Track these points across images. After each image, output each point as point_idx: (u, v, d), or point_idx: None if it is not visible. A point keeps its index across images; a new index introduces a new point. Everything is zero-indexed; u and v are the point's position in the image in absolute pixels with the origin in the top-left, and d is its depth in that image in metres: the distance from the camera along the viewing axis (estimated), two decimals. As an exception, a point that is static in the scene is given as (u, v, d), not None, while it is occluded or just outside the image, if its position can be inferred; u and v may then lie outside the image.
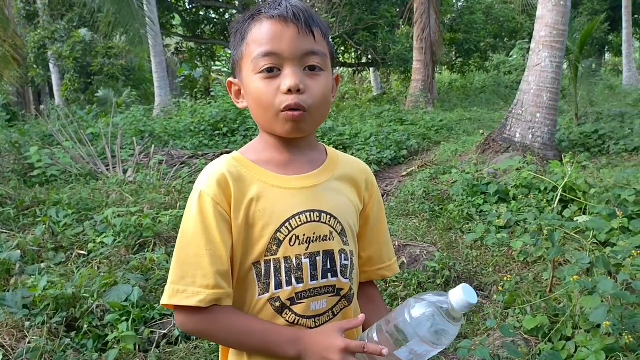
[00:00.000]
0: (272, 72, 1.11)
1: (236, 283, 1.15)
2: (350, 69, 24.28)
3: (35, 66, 19.38)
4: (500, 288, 3.33)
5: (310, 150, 1.24)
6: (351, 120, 11.59)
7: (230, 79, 1.23)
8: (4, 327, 2.92)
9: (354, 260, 1.24)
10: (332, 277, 1.18)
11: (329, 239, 1.18)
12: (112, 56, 18.65)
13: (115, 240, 4.07)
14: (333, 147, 8.28)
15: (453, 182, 6.00)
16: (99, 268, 3.80)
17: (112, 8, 12.49)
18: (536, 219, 3.56)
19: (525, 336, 2.97)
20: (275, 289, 1.14)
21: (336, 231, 1.19)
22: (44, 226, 4.39)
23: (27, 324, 2.97)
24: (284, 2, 1.14)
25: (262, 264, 1.14)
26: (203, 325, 1.12)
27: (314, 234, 1.16)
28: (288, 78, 1.10)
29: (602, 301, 2.63)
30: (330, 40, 1.22)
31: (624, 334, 2.44)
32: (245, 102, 1.21)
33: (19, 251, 3.83)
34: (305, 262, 1.15)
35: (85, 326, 3.02)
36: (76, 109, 14.43)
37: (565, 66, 10.50)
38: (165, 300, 1.10)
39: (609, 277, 2.91)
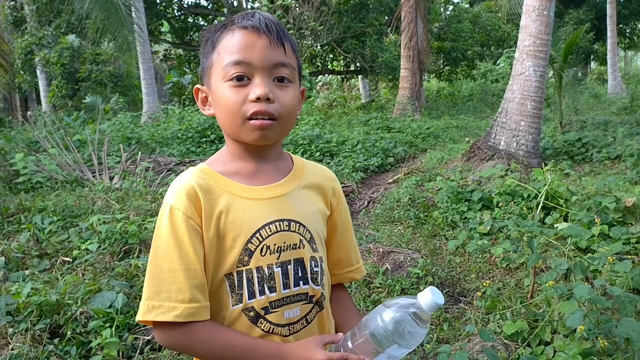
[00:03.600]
0: (242, 80, 1.14)
1: (209, 295, 1.16)
2: (338, 77, 24.39)
3: (22, 72, 19.24)
4: (480, 294, 3.37)
5: (276, 159, 1.27)
6: (338, 128, 11.66)
7: (198, 86, 1.25)
8: (-14, 334, 2.92)
9: (323, 266, 1.27)
10: (303, 284, 1.21)
11: (299, 247, 1.21)
12: (100, 62, 18.55)
13: (100, 247, 4.07)
14: (320, 154, 8.41)
15: (438, 190, 6.06)
16: (83, 275, 3.80)
17: (100, 14, 12.49)
18: (516, 226, 3.61)
19: (505, 341, 3.01)
20: (249, 299, 1.16)
21: (305, 239, 1.22)
22: (29, 233, 4.38)
23: (10, 330, 2.96)
24: (257, 14, 1.17)
25: (235, 274, 1.16)
26: (182, 340, 1.12)
27: (285, 242, 1.19)
28: (257, 87, 1.13)
29: (580, 306, 2.69)
30: (299, 56, 1.26)
31: (599, 338, 2.49)
32: (211, 110, 1.23)
33: (2, 258, 3.82)
34: (277, 271, 1.18)
35: (69, 333, 3.02)
36: (63, 115, 14.39)
37: (550, 75, 10.64)
38: (140, 316, 1.10)
39: (586, 283, 2.97)
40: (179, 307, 1.08)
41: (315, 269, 1.23)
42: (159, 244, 1.13)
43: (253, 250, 1.16)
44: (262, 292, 1.16)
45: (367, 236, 5.06)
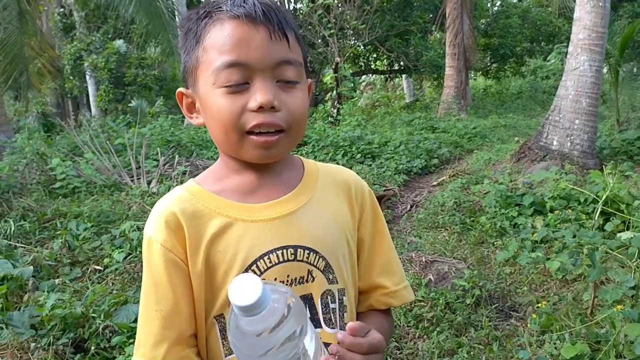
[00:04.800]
0: (239, 86, 0.90)
1: (199, 341, 0.96)
2: (382, 76, 24.02)
3: (71, 77, 19.70)
4: (535, 316, 3.05)
5: (284, 169, 1.03)
6: (381, 129, 11.36)
7: (182, 89, 1.02)
8: (8, 349, 2.81)
9: (345, 300, 1.02)
10: (314, 328, 0.97)
11: (307, 280, 0.97)
12: (145, 66, 18.82)
13: (129, 255, 3.95)
14: (361, 156, 8.13)
15: (485, 193, 5.71)
16: (113, 284, 3.69)
17: (144, 19, 12.65)
18: (574, 237, 3.27)
19: (564, 366, 2.70)
20: None
21: (318, 269, 0.98)
22: (61, 240, 4.31)
23: (32, 345, 2.85)
24: None
25: (226, 317, 0.94)
26: None
27: (288, 276, 0.95)
28: (259, 93, 0.89)
29: (650, 330, 2.37)
30: (304, 46, 1.01)
31: (676, 370, 2.17)
32: (201, 119, 1.00)
33: (31, 267, 3.73)
34: None
35: (93, 348, 2.88)
36: (111, 119, 14.61)
37: (605, 70, 10.06)
38: None
39: (658, 303, 2.64)
40: None
41: (331, 306, 0.98)
42: (142, 284, 0.95)
43: None
44: None
45: (409, 243, 4.79)
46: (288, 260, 0.95)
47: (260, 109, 0.89)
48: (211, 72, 0.91)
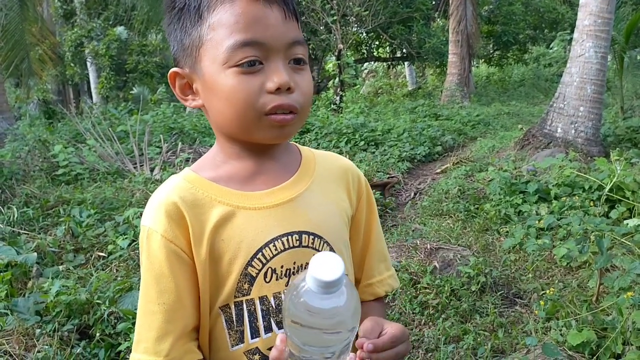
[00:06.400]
0: (254, 65, 0.87)
1: (201, 333, 0.94)
2: (384, 64, 23.88)
3: (72, 64, 19.59)
4: (542, 303, 3.05)
5: (282, 154, 1.01)
6: (384, 116, 11.31)
7: (176, 69, 0.96)
8: (13, 335, 2.81)
9: None
10: None
11: None
12: (146, 53, 18.71)
13: (133, 242, 3.94)
14: (365, 143, 8.10)
15: (490, 180, 5.69)
16: (117, 271, 3.69)
17: (145, 5, 12.57)
18: (582, 223, 3.25)
19: (570, 352, 2.70)
20: (252, 338, 0.92)
21: None
22: (64, 227, 4.30)
23: (37, 331, 2.85)
24: None
25: (232, 307, 0.92)
26: None
27: (295, 263, 0.93)
28: (276, 74, 0.87)
29: (658, 317, 2.36)
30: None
31: (684, 357, 2.17)
32: (199, 100, 0.96)
33: (35, 254, 3.72)
34: None
35: (98, 334, 2.88)
36: (112, 106, 14.56)
37: (609, 57, 9.98)
38: None
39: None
40: None
41: None
42: (142, 277, 0.92)
43: (255, 275, 0.91)
44: (268, 329, 0.92)
45: (413, 231, 4.78)
46: (294, 247, 0.94)
47: (278, 90, 0.87)
48: (222, 50, 0.87)
